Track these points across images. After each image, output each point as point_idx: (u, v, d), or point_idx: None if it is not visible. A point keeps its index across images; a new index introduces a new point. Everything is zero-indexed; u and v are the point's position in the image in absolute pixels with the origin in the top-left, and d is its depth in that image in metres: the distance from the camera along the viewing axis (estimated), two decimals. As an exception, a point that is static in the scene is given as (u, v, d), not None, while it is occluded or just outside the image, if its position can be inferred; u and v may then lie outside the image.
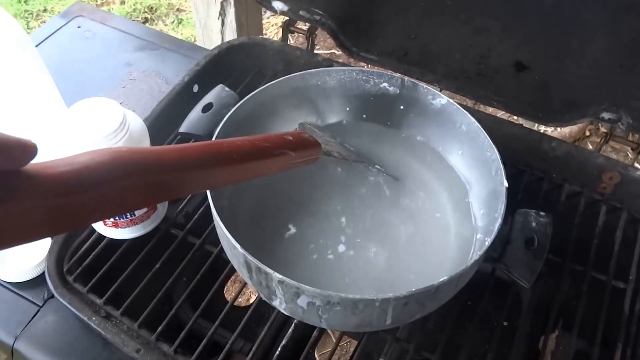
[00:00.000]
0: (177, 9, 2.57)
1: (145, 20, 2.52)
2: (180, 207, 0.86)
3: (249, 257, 0.61)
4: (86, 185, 0.37)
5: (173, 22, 2.52)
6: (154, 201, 0.47)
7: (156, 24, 2.51)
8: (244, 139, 0.60)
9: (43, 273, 0.79)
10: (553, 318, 0.77)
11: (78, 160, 0.37)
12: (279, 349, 0.73)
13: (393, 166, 0.86)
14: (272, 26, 2.40)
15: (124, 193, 0.40)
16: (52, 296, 0.78)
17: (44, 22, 2.49)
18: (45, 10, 2.57)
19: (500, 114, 1.26)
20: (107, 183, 0.38)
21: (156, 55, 1.16)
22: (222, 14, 1.59)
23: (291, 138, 0.68)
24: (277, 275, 0.60)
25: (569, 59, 0.84)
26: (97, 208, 0.38)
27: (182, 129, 0.80)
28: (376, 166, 0.85)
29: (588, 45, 0.81)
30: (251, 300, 1.37)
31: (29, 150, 0.32)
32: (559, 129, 1.88)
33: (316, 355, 1.38)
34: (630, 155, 1.89)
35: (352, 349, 1.26)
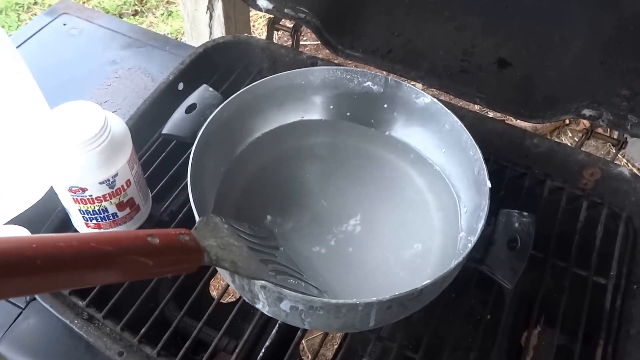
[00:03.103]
0: (167, 1, 2.56)
1: (136, 13, 2.51)
2: (165, 205, 0.86)
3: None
4: None
5: (163, 14, 2.51)
6: None
7: (146, 16, 2.50)
8: (73, 238, 0.44)
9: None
10: (536, 313, 0.77)
11: None
12: (263, 350, 0.73)
13: (377, 164, 0.87)
14: (260, 18, 2.40)
15: None
16: (34, 298, 0.78)
17: (35, 14, 2.49)
18: (35, 3, 2.56)
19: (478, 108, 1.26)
20: None
21: (142, 52, 1.16)
22: (210, 8, 1.59)
23: (157, 241, 0.51)
24: (259, 281, 0.60)
25: (550, 56, 0.85)
26: None
27: (165, 131, 0.80)
28: (291, 281, 0.68)
29: (569, 43, 0.82)
30: (237, 295, 1.38)
31: None
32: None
33: (303, 342, 1.39)
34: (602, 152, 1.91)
35: (338, 335, 1.27)
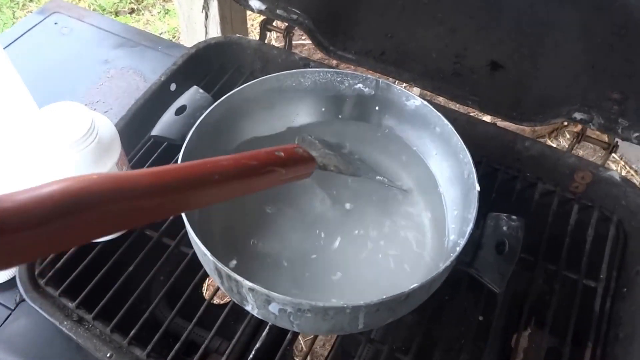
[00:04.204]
0: (164, -1, 2.56)
1: (132, 11, 2.50)
2: (156, 207, 0.86)
3: (219, 265, 0.61)
4: (50, 217, 0.35)
5: (160, 12, 2.51)
6: (130, 227, 0.45)
7: (143, 14, 2.50)
8: (229, 158, 0.57)
9: (15, 276, 0.79)
10: (526, 316, 0.77)
11: (42, 190, 0.35)
12: (253, 352, 0.73)
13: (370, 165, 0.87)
14: (256, 17, 2.39)
15: (95, 222, 0.38)
16: (24, 299, 0.77)
17: (30, 11, 2.48)
18: (31, 0, 2.55)
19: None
20: (74, 213, 0.36)
21: (134, 52, 1.15)
22: (206, 7, 1.59)
23: (282, 154, 0.65)
24: (247, 283, 0.60)
25: (543, 59, 0.84)
26: (65, 238, 0.37)
27: (154, 132, 0.80)
28: (378, 177, 0.84)
29: (562, 46, 0.82)
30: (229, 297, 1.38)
31: None
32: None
33: (301, 339, 1.39)
34: (600, 153, 1.91)
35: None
